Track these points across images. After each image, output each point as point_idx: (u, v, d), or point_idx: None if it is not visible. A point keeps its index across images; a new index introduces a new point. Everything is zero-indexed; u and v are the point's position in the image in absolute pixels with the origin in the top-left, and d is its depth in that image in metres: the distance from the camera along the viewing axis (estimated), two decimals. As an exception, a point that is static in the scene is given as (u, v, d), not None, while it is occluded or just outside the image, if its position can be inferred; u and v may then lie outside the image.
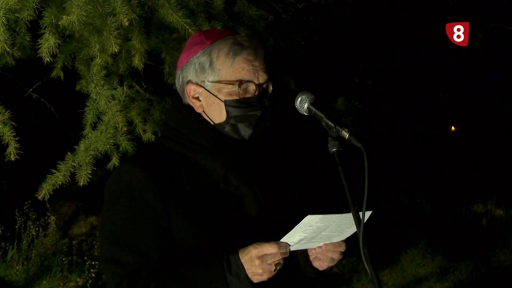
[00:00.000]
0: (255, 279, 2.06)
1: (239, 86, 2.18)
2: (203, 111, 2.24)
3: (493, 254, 8.23)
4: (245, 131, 2.21)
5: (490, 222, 9.45)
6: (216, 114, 2.22)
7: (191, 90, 2.24)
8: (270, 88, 2.25)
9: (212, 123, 2.24)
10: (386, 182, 9.09)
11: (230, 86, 2.19)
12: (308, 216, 2.00)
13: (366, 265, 1.96)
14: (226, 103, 2.19)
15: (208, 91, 2.21)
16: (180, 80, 2.28)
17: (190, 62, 2.24)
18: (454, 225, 9.11)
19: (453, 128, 11.30)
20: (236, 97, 2.19)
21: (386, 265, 7.82)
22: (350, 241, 2.23)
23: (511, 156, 10.61)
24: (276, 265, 2.05)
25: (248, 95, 2.20)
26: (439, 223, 9.06)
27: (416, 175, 10.07)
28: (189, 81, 2.25)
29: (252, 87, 2.20)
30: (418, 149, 10.39)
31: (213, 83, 2.20)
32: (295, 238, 2.07)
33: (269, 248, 2.04)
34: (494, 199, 9.75)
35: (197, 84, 2.23)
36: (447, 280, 7.58)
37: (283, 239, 2.07)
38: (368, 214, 1.99)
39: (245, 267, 2.05)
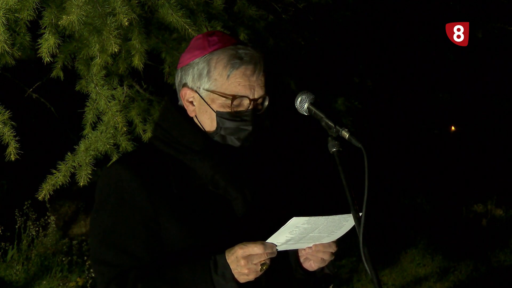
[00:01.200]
0: (241, 279, 2.06)
1: (232, 100, 2.18)
2: (195, 116, 2.25)
3: (493, 254, 8.23)
4: (234, 143, 2.21)
5: (490, 222, 9.46)
6: (208, 122, 2.22)
7: (186, 94, 2.24)
8: (266, 102, 2.24)
9: (202, 129, 2.24)
10: (386, 182, 9.09)
11: (224, 98, 2.18)
12: (294, 218, 1.99)
13: (366, 265, 1.96)
14: (218, 114, 2.19)
15: (202, 98, 2.21)
16: (179, 79, 2.28)
17: (190, 65, 2.23)
18: (454, 225, 9.11)
19: (453, 128, 11.30)
20: (228, 110, 2.19)
21: (386, 265, 7.82)
22: (350, 241, 2.22)
23: (511, 156, 10.61)
24: (262, 265, 2.04)
25: (241, 109, 2.20)
26: (439, 223, 9.07)
27: (416, 175, 10.07)
28: (185, 85, 2.25)
29: (246, 102, 2.19)
30: (418, 149, 10.38)
31: (208, 92, 2.20)
32: (281, 239, 2.06)
33: (255, 249, 2.03)
34: (494, 199, 9.75)
35: (192, 89, 2.23)
36: (447, 280, 7.58)
37: (269, 240, 2.06)
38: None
39: (231, 267, 2.05)
